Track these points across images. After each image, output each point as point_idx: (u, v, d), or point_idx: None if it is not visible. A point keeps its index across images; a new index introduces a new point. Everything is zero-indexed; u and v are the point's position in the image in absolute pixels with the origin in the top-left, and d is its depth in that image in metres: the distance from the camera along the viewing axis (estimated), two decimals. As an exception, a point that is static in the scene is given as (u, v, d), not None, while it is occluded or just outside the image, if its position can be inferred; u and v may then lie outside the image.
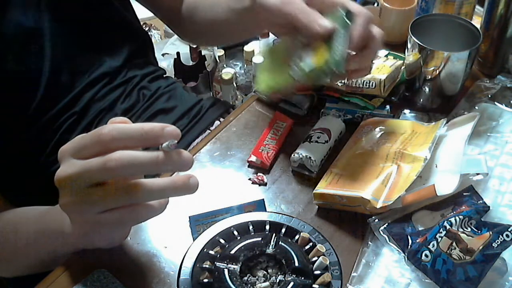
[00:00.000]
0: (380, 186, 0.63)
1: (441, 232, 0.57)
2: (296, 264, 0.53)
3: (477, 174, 0.64)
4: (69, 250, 0.60)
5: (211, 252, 0.56)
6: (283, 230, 0.58)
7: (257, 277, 0.54)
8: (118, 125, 0.46)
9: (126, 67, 0.86)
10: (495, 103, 0.79)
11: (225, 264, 0.53)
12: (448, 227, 0.58)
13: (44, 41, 0.74)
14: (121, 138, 0.45)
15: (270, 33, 1.69)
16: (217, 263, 0.54)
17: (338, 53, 0.61)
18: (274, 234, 0.56)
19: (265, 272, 0.55)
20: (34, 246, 0.61)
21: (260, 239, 0.56)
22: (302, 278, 0.53)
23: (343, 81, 0.76)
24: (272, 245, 0.55)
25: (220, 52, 1.75)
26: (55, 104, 0.76)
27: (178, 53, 1.72)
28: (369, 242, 0.62)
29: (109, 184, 0.46)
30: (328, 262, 0.54)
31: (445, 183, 0.61)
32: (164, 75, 0.95)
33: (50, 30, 0.75)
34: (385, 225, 0.62)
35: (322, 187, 0.66)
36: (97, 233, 0.54)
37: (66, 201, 0.49)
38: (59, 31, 0.76)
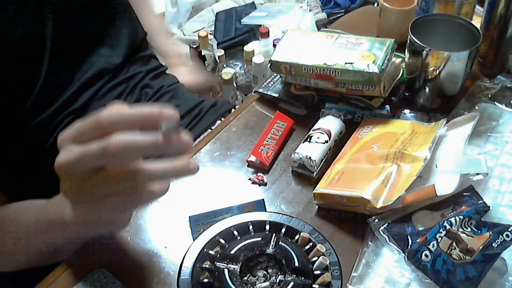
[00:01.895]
0: (380, 186, 0.63)
1: (441, 232, 0.57)
2: (296, 264, 0.53)
3: (477, 174, 0.64)
4: (70, 238, 0.59)
5: (211, 252, 0.56)
6: (283, 230, 0.58)
7: (257, 277, 0.54)
8: (117, 109, 0.46)
9: (128, 63, 0.86)
10: (495, 103, 0.79)
11: (225, 264, 0.53)
12: (448, 227, 0.58)
13: (46, 38, 0.74)
14: (120, 122, 0.45)
15: (269, 33, 1.69)
16: (217, 263, 0.54)
17: None
18: (274, 234, 0.56)
19: (265, 272, 0.55)
20: (33, 237, 0.61)
21: (260, 239, 0.56)
22: (302, 278, 0.53)
23: (342, 85, 0.76)
24: (272, 245, 0.55)
25: (220, 52, 1.75)
26: (53, 102, 0.76)
27: (178, 53, 1.72)
28: (369, 242, 0.62)
29: (109, 168, 0.46)
30: (328, 262, 0.54)
31: (445, 183, 0.61)
32: (166, 71, 0.95)
33: (51, 26, 0.74)
34: (385, 225, 0.62)
35: (322, 187, 0.66)
36: (98, 219, 0.53)
37: (67, 187, 0.49)
38: (59, 27, 0.75)
